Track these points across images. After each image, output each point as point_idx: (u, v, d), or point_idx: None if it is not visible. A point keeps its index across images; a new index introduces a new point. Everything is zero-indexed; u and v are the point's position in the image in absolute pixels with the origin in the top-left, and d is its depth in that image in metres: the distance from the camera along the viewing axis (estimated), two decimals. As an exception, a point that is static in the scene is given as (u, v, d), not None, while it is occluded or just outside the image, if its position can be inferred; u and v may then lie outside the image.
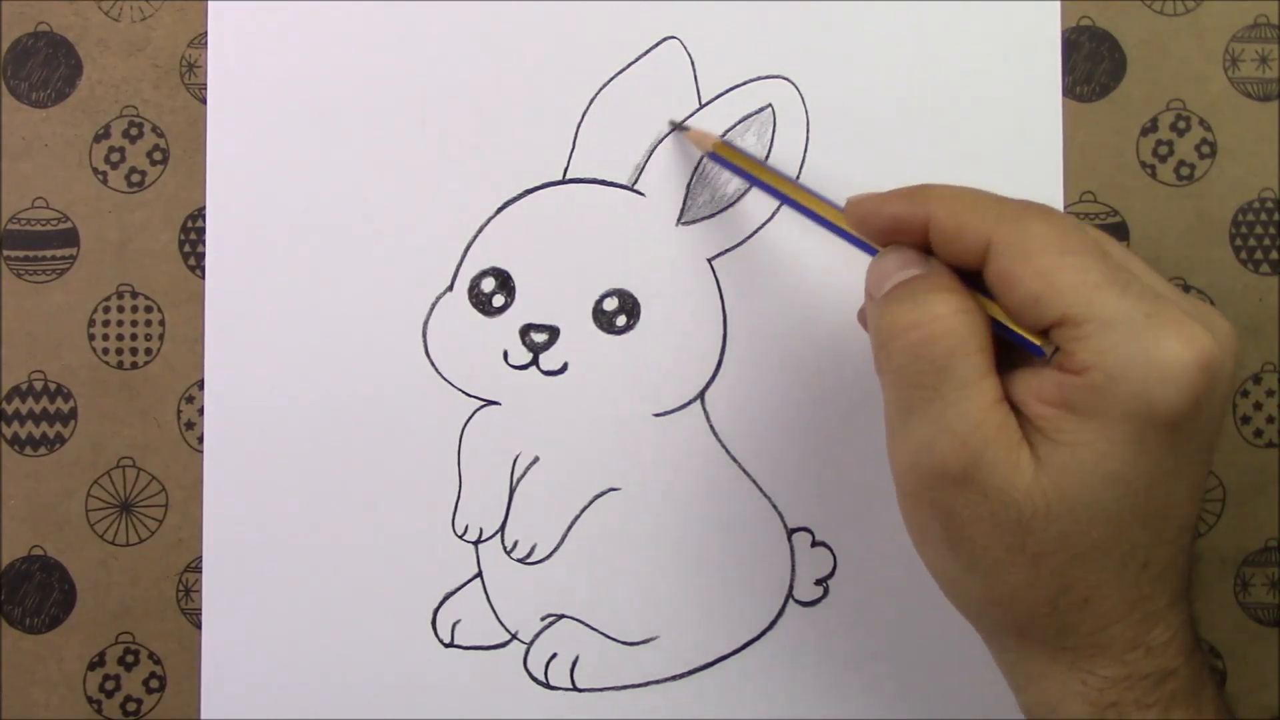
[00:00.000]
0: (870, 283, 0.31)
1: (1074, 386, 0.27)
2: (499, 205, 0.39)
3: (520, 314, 0.39)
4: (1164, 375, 0.26)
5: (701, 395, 0.39)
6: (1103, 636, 0.29)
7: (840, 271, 0.39)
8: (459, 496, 0.39)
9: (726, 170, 0.39)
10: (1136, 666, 0.29)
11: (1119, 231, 0.39)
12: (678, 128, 0.38)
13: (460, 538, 0.39)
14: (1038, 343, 0.28)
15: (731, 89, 0.39)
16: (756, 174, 0.35)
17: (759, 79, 0.39)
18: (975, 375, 0.28)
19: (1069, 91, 0.39)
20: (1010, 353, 0.29)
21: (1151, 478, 0.28)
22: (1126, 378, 0.27)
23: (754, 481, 0.39)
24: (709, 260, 0.39)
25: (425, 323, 0.39)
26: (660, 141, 0.39)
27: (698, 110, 0.39)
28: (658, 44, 0.39)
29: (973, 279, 0.30)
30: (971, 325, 0.28)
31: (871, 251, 0.32)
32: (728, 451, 0.39)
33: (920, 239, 0.30)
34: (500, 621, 0.39)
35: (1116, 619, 0.29)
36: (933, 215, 0.30)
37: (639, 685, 0.39)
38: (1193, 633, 0.30)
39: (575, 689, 0.39)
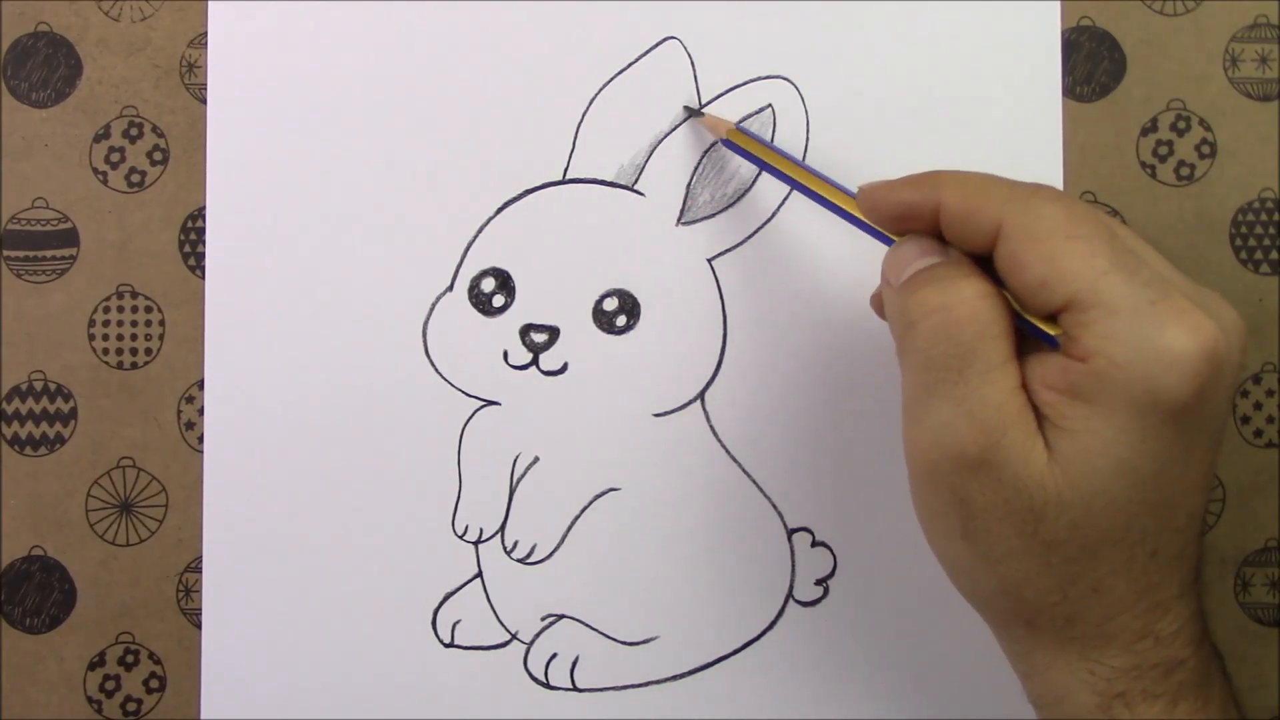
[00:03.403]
0: (889, 270, 0.31)
1: (1079, 373, 0.27)
2: (499, 205, 0.39)
3: (520, 314, 0.39)
4: (1168, 363, 0.26)
5: (701, 395, 0.39)
6: (1111, 625, 0.29)
7: (841, 272, 0.39)
8: (459, 496, 0.39)
9: (729, 166, 0.39)
10: (1145, 656, 0.29)
11: (1119, 231, 0.39)
12: (693, 114, 0.38)
13: (460, 538, 0.39)
14: (1051, 332, 0.28)
15: (731, 89, 0.39)
16: (770, 161, 0.35)
17: (759, 79, 0.39)
18: (999, 360, 0.28)
19: (1069, 91, 0.39)
20: (1019, 341, 0.29)
21: (1159, 465, 0.27)
22: (1130, 365, 0.27)
23: (754, 481, 0.39)
24: (709, 260, 0.39)
25: (425, 323, 0.39)
26: (662, 140, 0.39)
27: (698, 110, 0.39)
28: (658, 44, 0.39)
29: (984, 266, 0.30)
30: (995, 311, 0.29)
31: (884, 239, 0.32)
32: (728, 451, 0.39)
33: (931, 225, 0.30)
34: (500, 621, 0.39)
35: (1125, 608, 0.29)
36: (943, 201, 0.30)
37: (639, 685, 0.39)
38: (1202, 624, 0.30)
39: (575, 689, 0.39)
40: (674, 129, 0.39)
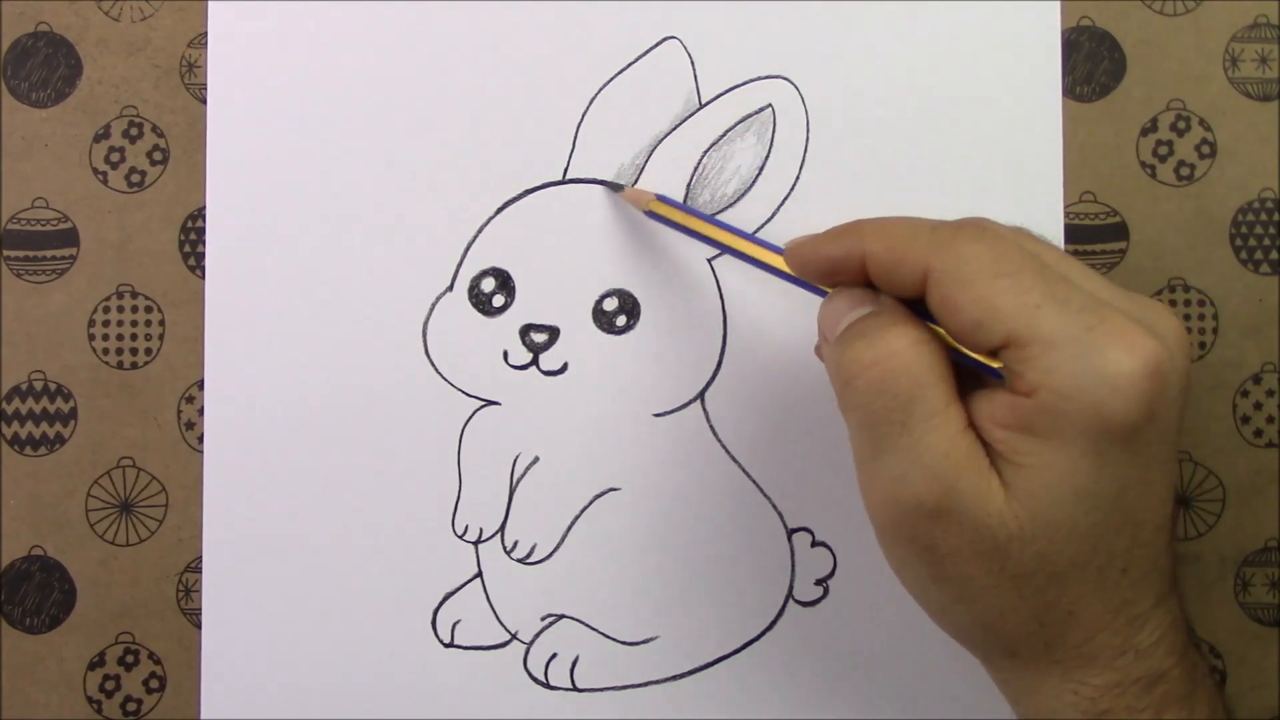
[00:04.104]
0: (824, 325, 0.31)
1: (1026, 408, 0.27)
2: (499, 205, 0.39)
3: (520, 314, 0.39)
4: (1113, 388, 0.26)
5: (701, 395, 0.39)
6: (1090, 646, 0.29)
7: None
8: (459, 496, 0.39)
9: (729, 166, 0.39)
10: (1126, 672, 0.29)
11: (1119, 232, 0.39)
12: (613, 188, 0.38)
13: (460, 538, 0.39)
14: (993, 365, 0.28)
15: (731, 89, 0.39)
16: (696, 227, 0.35)
17: (759, 79, 0.39)
18: (940, 405, 0.28)
19: (1069, 91, 0.39)
20: (966, 378, 0.29)
21: (1118, 487, 0.28)
22: (1076, 395, 0.26)
23: (754, 481, 0.39)
24: (709, 260, 0.39)
25: (425, 323, 0.39)
26: (662, 140, 0.39)
27: (698, 110, 0.39)
28: (658, 44, 0.39)
29: (920, 307, 0.29)
30: (930, 356, 0.29)
31: (819, 293, 0.32)
32: (728, 451, 0.39)
33: (860, 276, 0.30)
34: (500, 621, 0.39)
35: (1101, 627, 0.29)
36: (868, 251, 0.30)
37: (639, 685, 0.39)
38: (1184, 631, 0.30)
39: (575, 689, 0.39)
40: (674, 129, 0.39)
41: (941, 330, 0.29)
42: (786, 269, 0.32)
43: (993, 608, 0.29)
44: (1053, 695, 0.30)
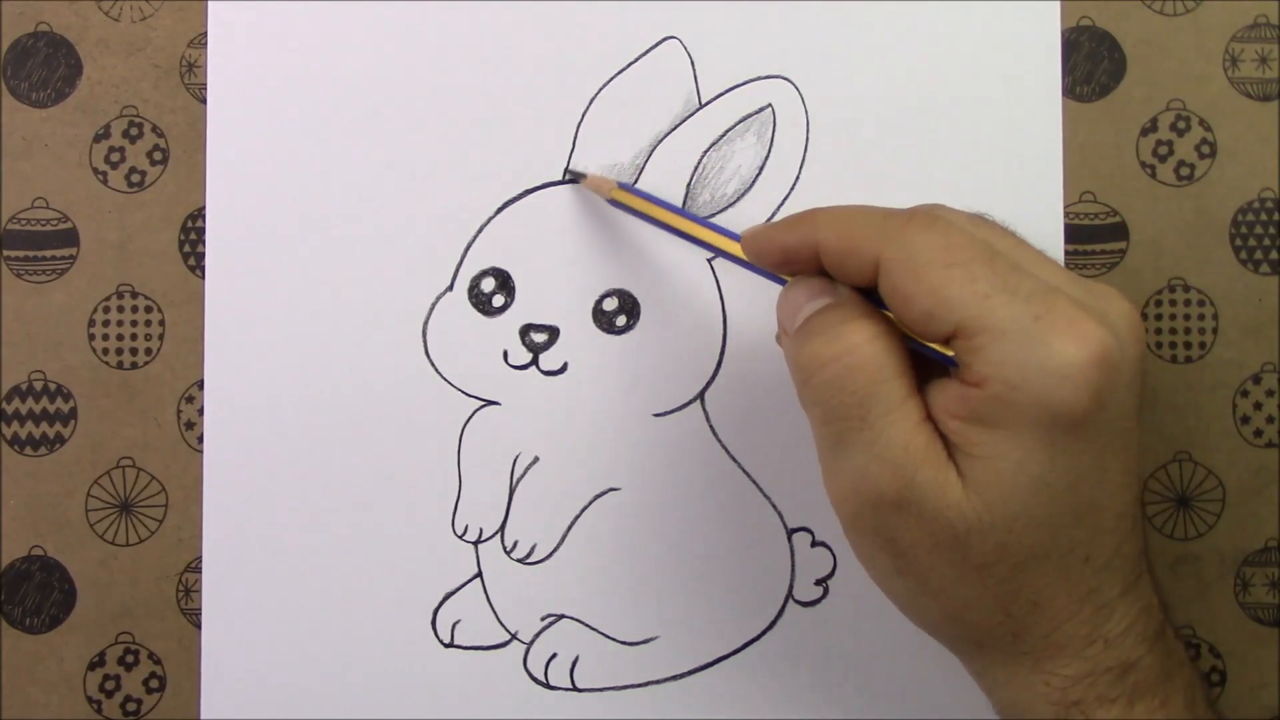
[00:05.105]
0: (782, 316, 0.31)
1: (977, 399, 0.27)
2: (499, 205, 0.39)
3: (520, 314, 0.39)
4: (1060, 377, 0.26)
5: (701, 395, 0.39)
6: (1058, 636, 0.29)
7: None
8: (459, 496, 0.39)
9: (729, 166, 0.39)
10: (1096, 661, 0.29)
11: (1119, 232, 0.39)
12: (576, 178, 0.38)
13: (460, 538, 0.39)
14: (948, 354, 0.28)
15: (731, 89, 0.39)
16: (657, 215, 0.35)
17: (759, 79, 0.39)
18: (898, 399, 0.28)
19: (1069, 91, 0.39)
20: (930, 367, 0.29)
21: (1073, 476, 0.28)
22: (1024, 385, 0.27)
23: (754, 481, 0.39)
24: (709, 260, 0.39)
25: (425, 323, 0.39)
26: (662, 140, 0.39)
27: (698, 110, 0.39)
28: (658, 44, 0.39)
29: (876, 295, 0.29)
30: (888, 350, 0.29)
31: (779, 280, 0.32)
32: (728, 451, 0.39)
33: (815, 265, 0.30)
34: (500, 621, 0.39)
35: (1068, 617, 0.29)
36: (820, 241, 0.30)
37: (639, 685, 0.39)
38: (1157, 619, 0.30)
39: (575, 689, 0.39)
40: (674, 129, 0.39)
41: (898, 320, 0.29)
42: (744, 257, 0.33)
43: (957, 599, 0.29)
44: (1024, 686, 0.30)
